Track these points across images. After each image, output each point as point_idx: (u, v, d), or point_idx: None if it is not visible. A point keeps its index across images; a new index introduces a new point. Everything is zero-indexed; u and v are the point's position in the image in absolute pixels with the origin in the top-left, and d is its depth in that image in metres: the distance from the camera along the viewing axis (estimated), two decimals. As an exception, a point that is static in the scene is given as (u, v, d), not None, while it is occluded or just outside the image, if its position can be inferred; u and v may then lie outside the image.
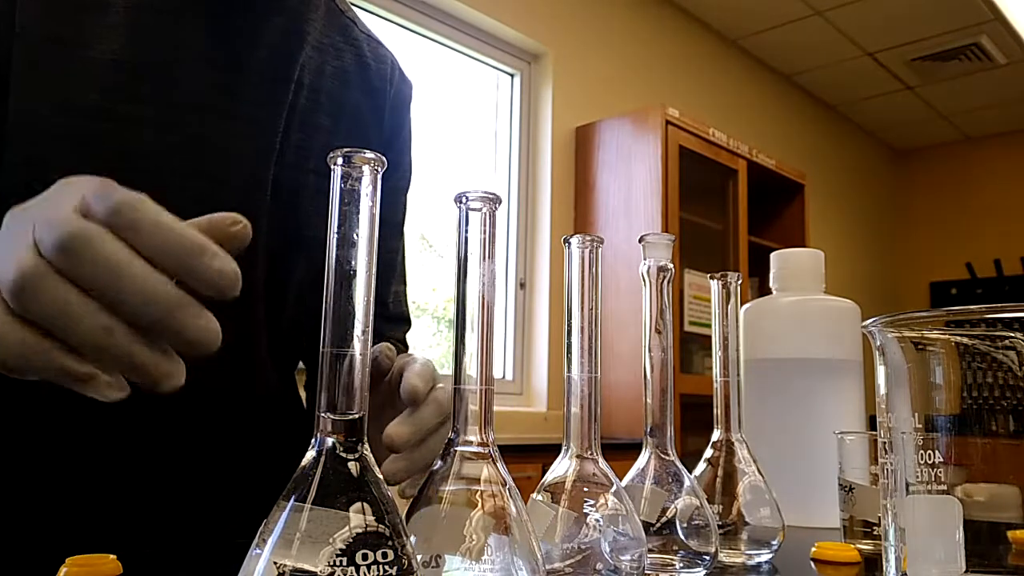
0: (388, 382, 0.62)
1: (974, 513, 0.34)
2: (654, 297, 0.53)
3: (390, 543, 0.30)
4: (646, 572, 0.44)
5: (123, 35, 0.64)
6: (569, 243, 0.45)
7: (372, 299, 0.32)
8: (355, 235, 0.32)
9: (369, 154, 0.32)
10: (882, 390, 0.38)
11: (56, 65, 0.62)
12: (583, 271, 0.45)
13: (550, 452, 0.47)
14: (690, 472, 0.54)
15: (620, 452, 1.09)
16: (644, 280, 0.53)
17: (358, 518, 0.30)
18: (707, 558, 0.51)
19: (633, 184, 3.02)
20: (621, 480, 0.48)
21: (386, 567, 0.29)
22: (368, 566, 0.29)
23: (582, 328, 0.45)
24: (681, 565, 0.50)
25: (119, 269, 0.35)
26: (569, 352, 0.45)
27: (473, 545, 0.36)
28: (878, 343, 0.38)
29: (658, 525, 0.51)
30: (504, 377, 3.03)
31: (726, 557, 0.57)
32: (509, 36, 3.12)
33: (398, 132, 0.85)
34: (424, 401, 0.56)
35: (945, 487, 0.34)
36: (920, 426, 0.35)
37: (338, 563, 0.28)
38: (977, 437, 0.34)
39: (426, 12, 2.88)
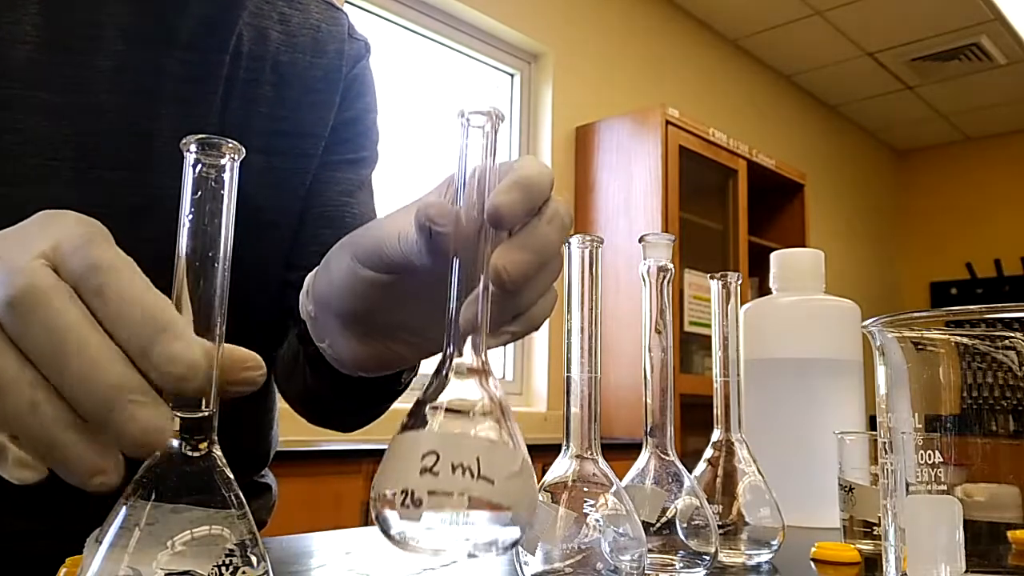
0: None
1: (974, 513, 0.34)
2: (654, 297, 0.53)
3: (236, 545, 0.29)
4: (646, 572, 0.44)
5: (36, 10, 0.59)
6: (569, 243, 0.45)
7: (226, 295, 0.31)
8: (208, 226, 0.31)
9: (228, 142, 0.31)
10: (882, 390, 0.38)
11: None
12: (583, 271, 0.45)
13: (550, 452, 0.46)
14: (690, 472, 0.54)
15: (620, 452, 1.09)
16: (644, 280, 0.53)
17: (203, 519, 0.29)
18: (707, 558, 0.51)
19: (633, 184, 3.02)
20: (621, 480, 0.48)
21: (231, 570, 0.28)
22: (212, 569, 0.28)
23: (582, 328, 0.45)
24: (681, 565, 0.50)
25: (65, 341, 0.29)
26: (569, 352, 0.45)
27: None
28: (878, 343, 0.38)
29: (658, 525, 0.51)
30: (504, 377, 3.03)
31: (726, 557, 0.57)
32: (509, 36, 3.12)
33: (356, 100, 0.77)
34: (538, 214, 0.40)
35: (945, 487, 0.34)
36: (920, 426, 0.35)
37: (187, 564, 0.27)
38: (977, 437, 0.34)
39: (426, 12, 2.88)
